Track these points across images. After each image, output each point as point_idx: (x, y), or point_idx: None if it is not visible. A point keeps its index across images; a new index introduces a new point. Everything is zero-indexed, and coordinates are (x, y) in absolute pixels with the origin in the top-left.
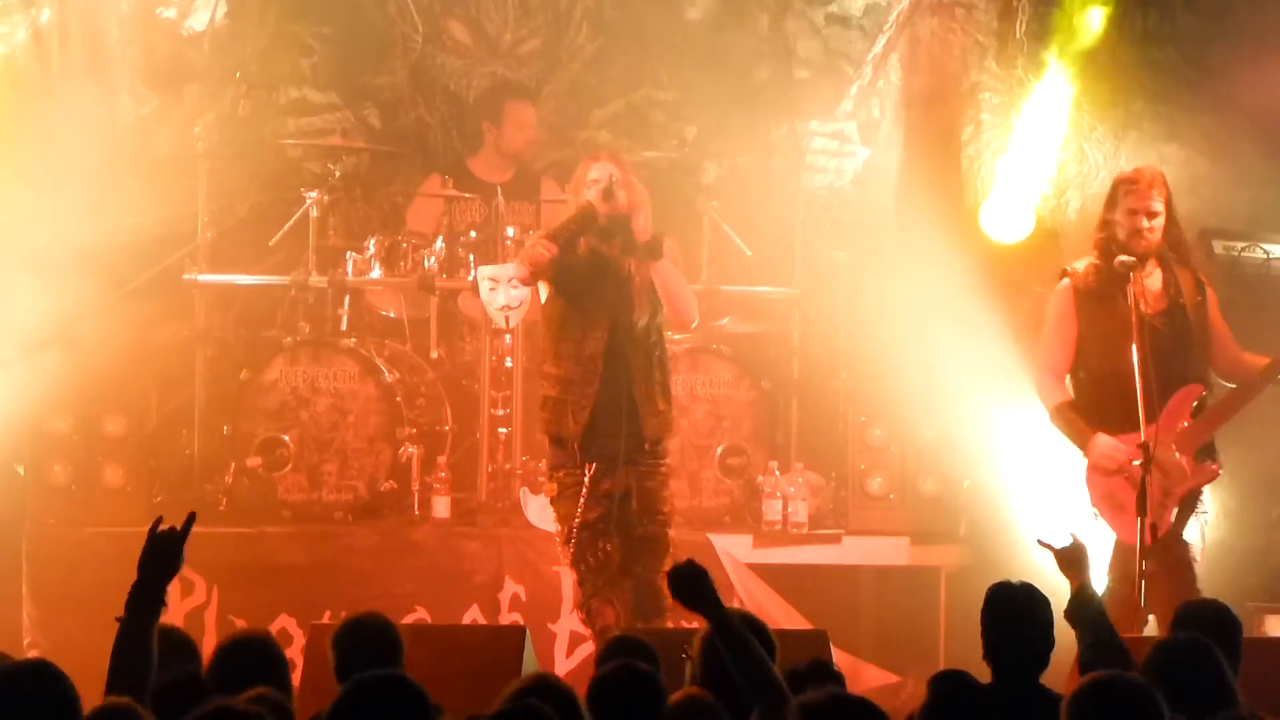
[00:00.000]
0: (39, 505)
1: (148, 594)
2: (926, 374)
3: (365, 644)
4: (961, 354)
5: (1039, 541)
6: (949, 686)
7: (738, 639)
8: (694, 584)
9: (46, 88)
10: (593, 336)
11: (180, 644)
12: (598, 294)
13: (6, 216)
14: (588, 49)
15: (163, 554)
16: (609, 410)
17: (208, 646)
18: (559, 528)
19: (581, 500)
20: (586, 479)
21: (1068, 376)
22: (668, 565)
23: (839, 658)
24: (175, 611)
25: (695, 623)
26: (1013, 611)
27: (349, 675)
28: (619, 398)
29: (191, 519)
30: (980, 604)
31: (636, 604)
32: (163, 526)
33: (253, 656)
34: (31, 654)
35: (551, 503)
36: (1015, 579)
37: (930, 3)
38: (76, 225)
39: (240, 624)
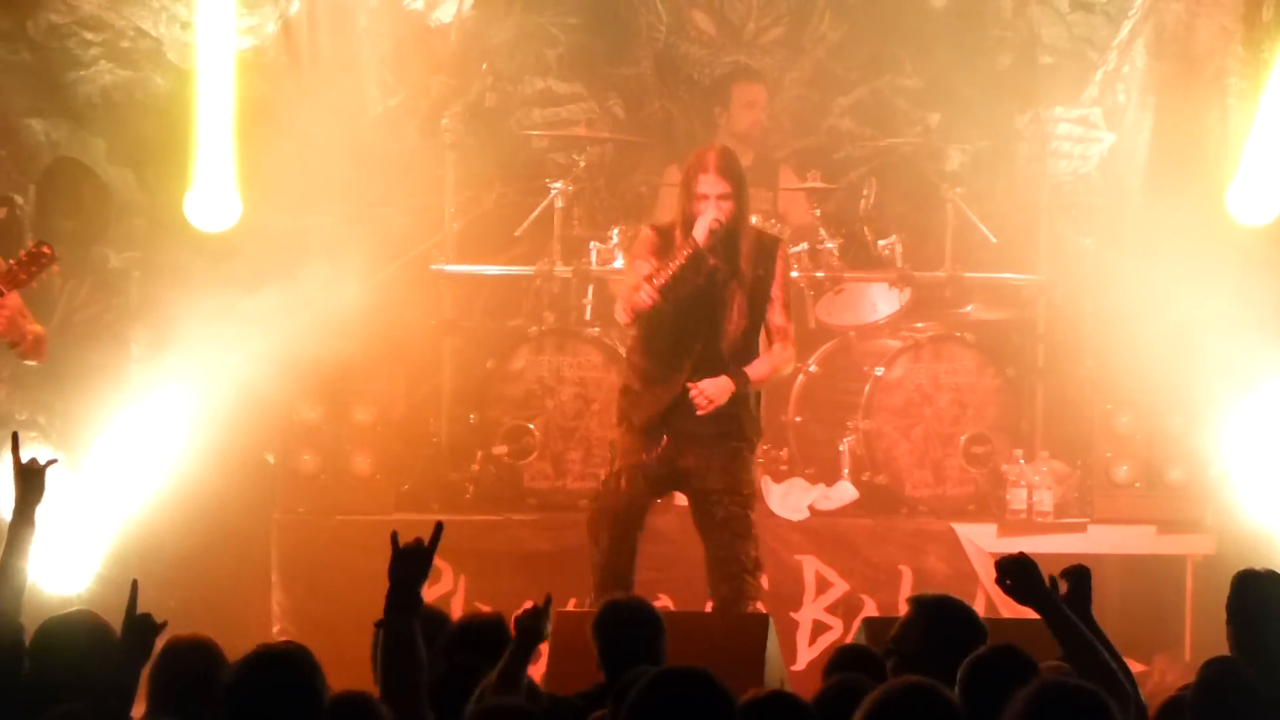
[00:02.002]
0: (288, 493)
1: (403, 596)
2: (1174, 360)
3: (629, 626)
4: (1210, 340)
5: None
6: (1220, 672)
7: (1073, 631)
8: (1024, 576)
9: (295, 79)
10: (685, 344)
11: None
12: (696, 305)
13: (257, 208)
14: (831, 37)
15: (412, 564)
16: (685, 411)
17: None
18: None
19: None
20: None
21: None
22: (749, 548)
23: None
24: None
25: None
26: (1259, 599)
27: (615, 658)
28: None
29: (439, 531)
30: (1227, 593)
31: (708, 574)
32: (403, 540)
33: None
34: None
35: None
36: (1262, 567)
37: None
38: (325, 216)
39: (485, 609)
